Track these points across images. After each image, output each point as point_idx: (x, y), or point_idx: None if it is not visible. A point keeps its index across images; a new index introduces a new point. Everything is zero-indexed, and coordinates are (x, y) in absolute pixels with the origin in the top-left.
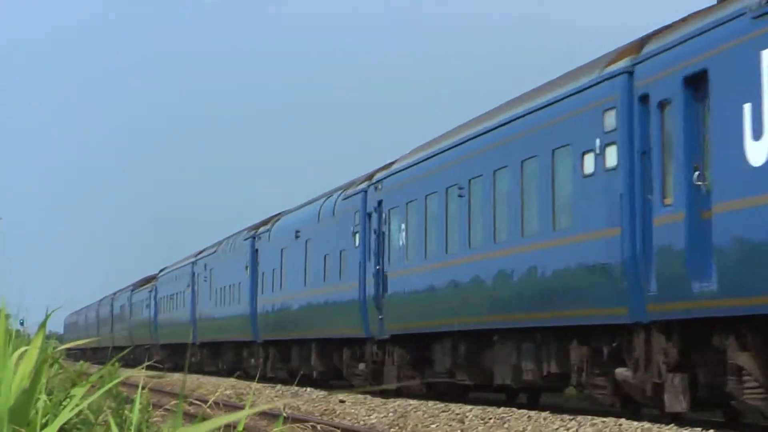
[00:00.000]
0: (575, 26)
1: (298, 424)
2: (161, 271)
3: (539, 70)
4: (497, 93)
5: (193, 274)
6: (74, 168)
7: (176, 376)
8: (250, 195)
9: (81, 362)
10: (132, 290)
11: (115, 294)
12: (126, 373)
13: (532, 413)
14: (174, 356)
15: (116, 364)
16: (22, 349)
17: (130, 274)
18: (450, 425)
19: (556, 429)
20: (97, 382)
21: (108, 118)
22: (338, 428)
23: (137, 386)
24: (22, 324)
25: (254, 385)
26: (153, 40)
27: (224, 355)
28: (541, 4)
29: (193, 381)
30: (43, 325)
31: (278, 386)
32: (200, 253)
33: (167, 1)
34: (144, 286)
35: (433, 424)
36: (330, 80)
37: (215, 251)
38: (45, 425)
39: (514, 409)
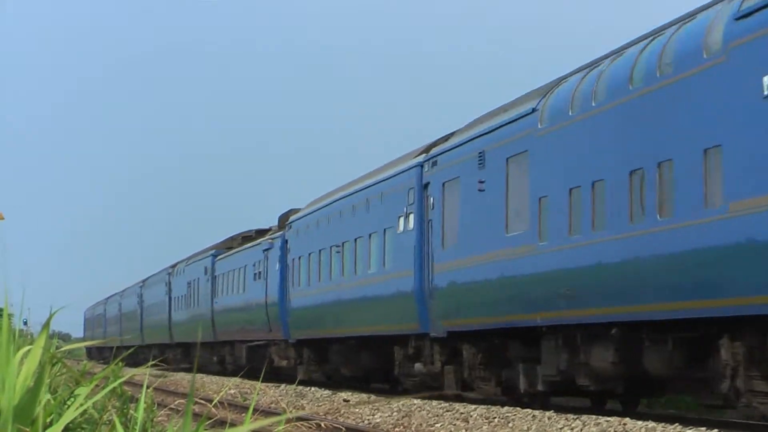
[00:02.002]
0: (566, 27)
1: (302, 423)
2: (288, 214)
3: (529, 72)
4: (486, 95)
5: (420, 199)
6: (79, 167)
7: (179, 375)
8: (254, 193)
9: (85, 362)
10: (214, 256)
11: (174, 266)
12: (130, 372)
13: (537, 413)
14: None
15: (120, 363)
16: (26, 348)
17: (136, 272)
18: (454, 424)
19: (561, 428)
20: (102, 382)
21: (111, 118)
22: (343, 427)
23: (141, 385)
24: (25, 323)
25: (258, 384)
26: (156, 43)
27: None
28: (532, 4)
29: (197, 380)
30: (46, 324)
31: (282, 386)
32: (436, 144)
33: (167, 6)
34: (239, 248)
35: (437, 423)
36: (326, 80)
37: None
38: (49, 424)
39: (518, 408)
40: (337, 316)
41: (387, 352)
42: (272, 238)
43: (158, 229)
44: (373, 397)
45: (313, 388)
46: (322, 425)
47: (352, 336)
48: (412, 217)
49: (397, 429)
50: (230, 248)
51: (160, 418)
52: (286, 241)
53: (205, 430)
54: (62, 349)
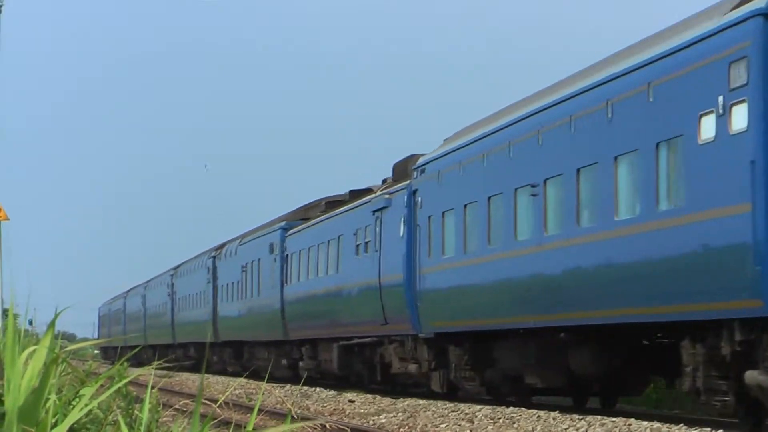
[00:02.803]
0: (567, 27)
1: (307, 423)
2: (408, 160)
3: (534, 73)
4: (489, 99)
5: None
6: (83, 168)
7: (185, 376)
8: (255, 194)
9: (90, 362)
10: (284, 229)
11: (221, 248)
12: (135, 373)
13: (542, 413)
14: None
15: (125, 363)
16: (31, 348)
17: (140, 273)
18: (459, 425)
19: (566, 429)
20: (107, 382)
21: (115, 118)
22: (348, 428)
23: (146, 386)
24: (30, 323)
25: (263, 385)
26: (161, 43)
27: None
28: (533, 4)
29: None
30: (51, 324)
31: (288, 386)
32: None
33: (167, 6)
34: (325, 216)
35: (442, 423)
36: (326, 80)
37: None
38: (55, 425)
39: (523, 408)
40: (528, 295)
41: (635, 353)
42: (389, 193)
43: (161, 229)
44: (378, 397)
45: (318, 389)
46: (327, 426)
47: (559, 326)
48: (742, 109)
49: (402, 429)
50: (305, 219)
51: (164, 419)
52: (415, 192)
53: (210, 430)
54: (67, 349)
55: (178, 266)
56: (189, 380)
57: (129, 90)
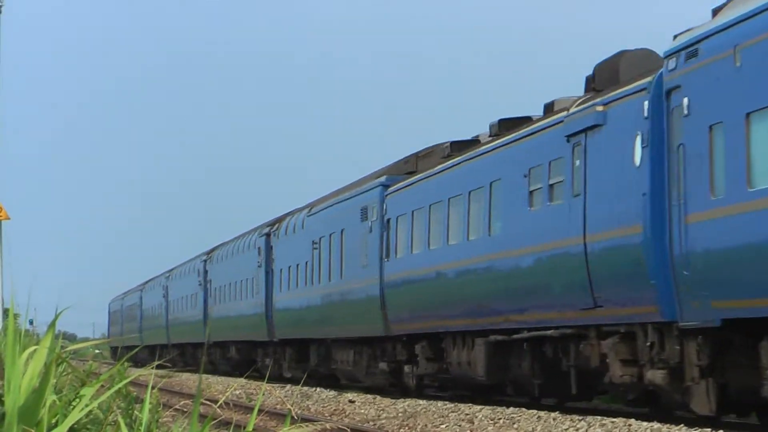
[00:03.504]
0: (571, 28)
1: (308, 424)
2: (616, 66)
3: (535, 76)
4: (491, 102)
5: None
6: (84, 167)
7: (185, 376)
8: (255, 195)
9: (90, 362)
10: (384, 186)
11: (277, 223)
12: (135, 373)
13: (542, 413)
14: None
15: (125, 363)
16: (31, 348)
17: (140, 274)
18: (459, 425)
19: (566, 429)
20: (107, 382)
21: (115, 117)
22: (348, 428)
23: (146, 386)
24: (31, 324)
25: (264, 385)
26: (163, 46)
27: None
28: (540, 8)
29: (202, 380)
30: (52, 324)
31: (288, 386)
32: None
33: (175, 19)
34: (457, 158)
35: (442, 424)
36: (331, 86)
37: None
38: (55, 425)
39: (523, 409)
40: None
41: None
42: (603, 104)
43: (161, 230)
44: (378, 398)
45: (318, 389)
46: (328, 426)
47: None
48: None
49: (402, 430)
50: (411, 173)
51: (165, 419)
52: (670, 93)
53: (210, 430)
54: (68, 349)
55: (213, 250)
56: (189, 380)
57: (129, 89)
